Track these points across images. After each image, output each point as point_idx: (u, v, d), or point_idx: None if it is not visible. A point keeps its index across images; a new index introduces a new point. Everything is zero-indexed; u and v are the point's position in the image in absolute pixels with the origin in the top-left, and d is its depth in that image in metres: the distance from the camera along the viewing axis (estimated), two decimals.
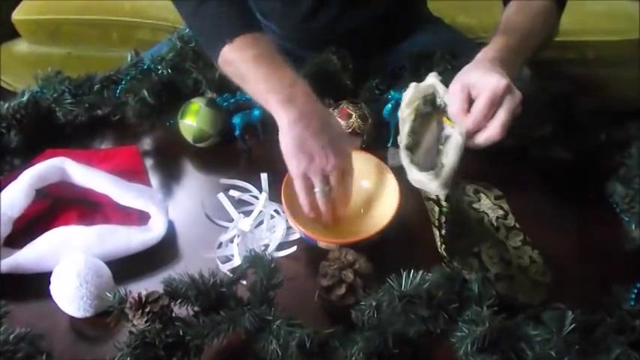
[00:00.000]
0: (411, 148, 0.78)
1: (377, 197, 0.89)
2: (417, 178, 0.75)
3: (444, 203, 0.78)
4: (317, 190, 0.82)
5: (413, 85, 0.81)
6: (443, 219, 0.80)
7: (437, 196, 0.77)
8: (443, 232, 0.81)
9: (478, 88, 0.75)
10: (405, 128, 0.80)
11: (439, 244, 0.83)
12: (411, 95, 0.80)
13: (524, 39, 0.86)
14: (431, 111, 0.81)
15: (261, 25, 0.90)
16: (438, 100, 0.80)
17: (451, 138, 0.74)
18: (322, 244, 0.83)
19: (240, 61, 0.85)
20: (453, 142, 0.73)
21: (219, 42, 0.86)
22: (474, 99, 0.75)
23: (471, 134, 0.74)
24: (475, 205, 0.89)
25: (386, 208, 0.83)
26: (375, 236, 0.81)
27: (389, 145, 1.00)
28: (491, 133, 0.73)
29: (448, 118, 0.79)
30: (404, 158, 0.77)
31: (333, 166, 0.79)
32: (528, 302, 0.78)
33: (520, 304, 0.77)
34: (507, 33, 0.86)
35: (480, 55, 0.83)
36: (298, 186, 0.82)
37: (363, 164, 0.90)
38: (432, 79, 0.81)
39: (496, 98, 0.73)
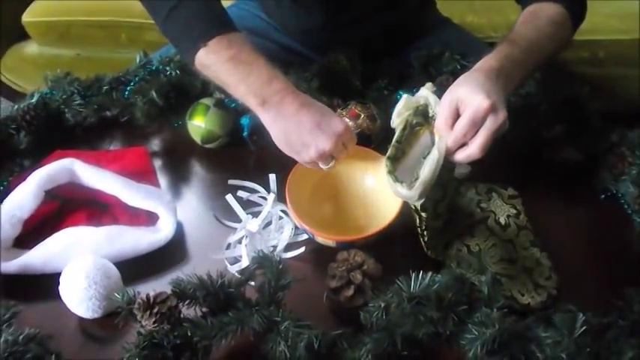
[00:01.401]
0: (398, 158, 0.78)
1: (380, 197, 0.89)
2: (392, 188, 0.75)
3: (422, 214, 0.78)
4: (326, 165, 0.84)
5: (405, 96, 0.81)
6: (423, 226, 0.80)
7: (414, 205, 0.78)
8: (426, 239, 0.82)
9: (465, 104, 0.74)
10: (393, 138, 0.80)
11: (425, 248, 0.83)
12: (401, 106, 0.80)
13: (529, 50, 0.85)
14: (422, 122, 0.81)
15: (234, 25, 0.89)
16: (430, 112, 0.80)
17: (431, 152, 0.75)
18: (319, 239, 0.83)
19: (217, 64, 0.85)
20: (431, 156, 0.73)
21: (194, 46, 0.86)
22: (461, 114, 0.75)
23: (451, 150, 0.74)
24: (483, 205, 0.89)
25: (388, 209, 0.83)
26: (373, 237, 0.81)
27: None
28: (470, 152, 0.73)
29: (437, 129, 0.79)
30: (383, 167, 0.77)
31: (326, 149, 0.80)
32: (526, 304, 0.77)
33: (518, 304, 0.77)
34: (512, 43, 0.85)
35: (479, 64, 0.82)
36: (306, 165, 0.85)
37: (369, 162, 0.90)
38: (425, 90, 0.81)
39: (477, 118, 0.73)
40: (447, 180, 0.79)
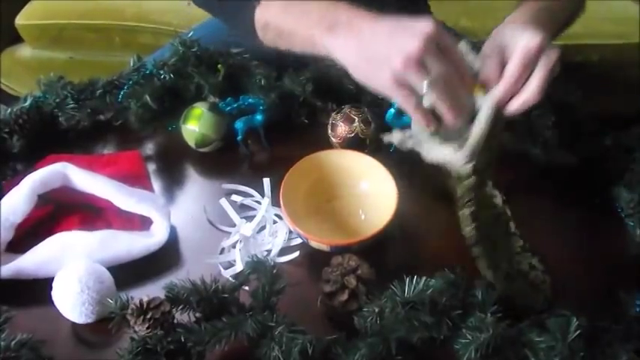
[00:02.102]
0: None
1: (374, 201, 0.89)
2: (439, 152, 0.69)
3: (466, 181, 0.72)
4: (423, 87, 0.65)
5: None
6: (467, 198, 0.73)
7: (460, 171, 0.72)
8: (470, 210, 0.75)
9: (511, 47, 0.68)
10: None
11: (466, 224, 0.76)
12: None
13: (550, 10, 0.80)
14: None
15: None
16: (469, 69, 0.72)
17: (481, 108, 0.68)
18: (313, 243, 0.83)
19: (274, 17, 0.79)
20: (481, 113, 0.67)
21: (249, 13, 0.80)
22: (507, 62, 0.69)
23: (503, 101, 0.68)
24: (495, 200, 0.85)
25: (382, 213, 0.83)
26: (367, 241, 0.81)
27: (391, 149, 0.99)
28: (526, 97, 0.66)
29: (480, 86, 0.71)
30: (422, 134, 0.70)
31: (413, 50, 0.63)
32: (528, 306, 0.77)
33: (520, 306, 0.76)
34: (533, 3, 0.79)
35: (514, 15, 0.76)
36: (400, 101, 0.68)
37: (363, 167, 0.90)
38: (461, 45, 0.73)
39: (529, 59, 0.66)
40: (492, 144, 0.71)
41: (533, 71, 0.67)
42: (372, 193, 0.90)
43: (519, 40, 0.67)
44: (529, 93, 0.67)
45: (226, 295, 0.73)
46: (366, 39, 0.67)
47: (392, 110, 0.96)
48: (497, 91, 0.68)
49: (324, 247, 0.82)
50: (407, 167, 0.92)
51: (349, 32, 0.69)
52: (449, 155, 0.69)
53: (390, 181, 0.86)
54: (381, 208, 0.85)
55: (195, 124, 0.97)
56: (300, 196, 0.89)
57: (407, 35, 0.63)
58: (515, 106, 0.68)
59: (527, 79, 0.68)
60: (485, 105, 0.68)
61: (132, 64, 1.06)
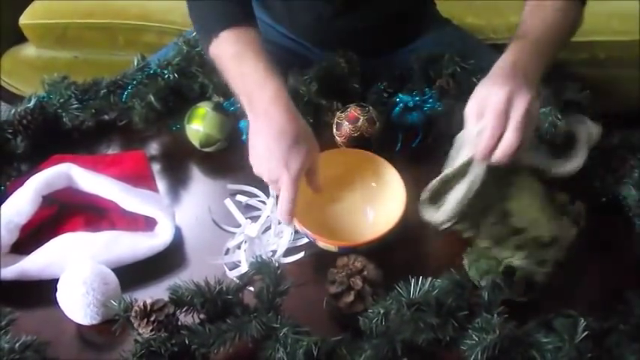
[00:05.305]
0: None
1: (382, 201, 0.88)
2: (425, 214, 0.76)
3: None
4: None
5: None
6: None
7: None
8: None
9: (485, 104, 0.73)
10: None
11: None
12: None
13: (542, 39, 0.84)
14: None
15: (253, 18, 0.91)
16: None
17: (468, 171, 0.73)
18: (321, 244, 0.82)
19: (223, 59, 0.87)
20: (468, 175, 0.73)
21: (208, 37, 0.88)
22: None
23: (486, 153, 0.72)
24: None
25: (390, 214, 0.82)
26: (376, 241, 0.80)
27: (397, 149, 0.99)
28: (505, 141, 0.71)
29: None
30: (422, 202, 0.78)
31: (282, 181, 0.79)
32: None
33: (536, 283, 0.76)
34: (522, 38, 0.84)
35: (497, 64, 0.80)
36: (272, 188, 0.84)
37: (370, 167, 0.89)
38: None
39: (499, 109, 0.71)
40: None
41: (507, 124, 0.72)
42: (379, 193, 0.89)
43: (488, 97, 0.73)
44: (507, 135, 0.71)
45: (230, 297, 0.73)
46: (260, 147, 0.81)
47: (397, 109, 0.95)
48: (478, 152, 0.73)
49: (332, 248, 0.82)
50: (413, 167, 0.92)
51: (255, 126, 0.82)
52: (430, 217, 0.76)
53: (399, 181, 0.85)
54: (388, 208, 0.84)
55: (200, 124, 0.97)
56: (307, 196, 0.88)
57: (281, 169, 0.78)
58: (499, 153, 0.72)
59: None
60: (470, 170, 0.73)
61: (136, 63, 1.06)
